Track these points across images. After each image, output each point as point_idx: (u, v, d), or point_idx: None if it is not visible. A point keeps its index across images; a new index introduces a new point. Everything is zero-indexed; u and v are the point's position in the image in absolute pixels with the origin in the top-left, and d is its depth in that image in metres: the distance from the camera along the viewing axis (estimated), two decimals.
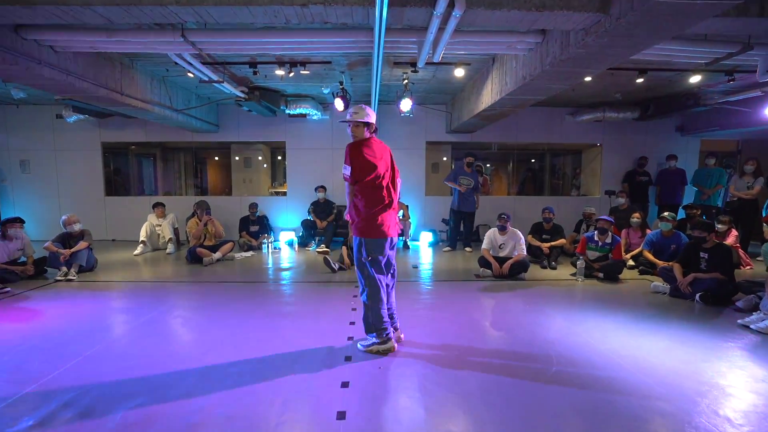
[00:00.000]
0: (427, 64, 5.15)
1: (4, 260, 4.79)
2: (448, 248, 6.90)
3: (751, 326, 3.25)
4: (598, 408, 2.14)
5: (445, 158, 9.23)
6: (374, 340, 2.72)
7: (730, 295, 3.97)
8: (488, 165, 11.10)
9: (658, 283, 4.48)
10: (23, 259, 5.03)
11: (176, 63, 4.93)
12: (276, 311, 3.70)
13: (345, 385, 2.34)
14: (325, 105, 7.69)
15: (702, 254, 4.22)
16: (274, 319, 3.49)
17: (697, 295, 3.99)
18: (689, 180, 7.60)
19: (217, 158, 10.99)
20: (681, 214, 7.40)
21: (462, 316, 3.59)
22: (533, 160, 10.71)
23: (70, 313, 3.65)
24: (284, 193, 8.47)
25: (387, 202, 2.62)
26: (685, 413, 2.08)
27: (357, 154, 2.55)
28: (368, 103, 7.60)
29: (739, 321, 3.40)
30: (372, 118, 2.65)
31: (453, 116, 7.36)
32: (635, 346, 2.95)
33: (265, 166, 9.86)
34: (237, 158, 9.36)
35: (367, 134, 2.64)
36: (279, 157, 10.47)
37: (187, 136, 7.94)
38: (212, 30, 3.57)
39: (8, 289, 4.35)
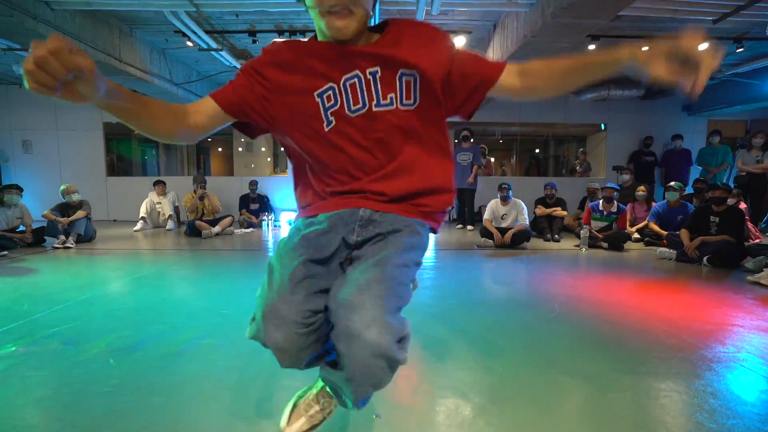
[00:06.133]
0: None
1: (3, 227, 4.77)
2: (460, 226, 6.83)
3: (762, 281, 3.15)
4: (599, 338, 2.05)
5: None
6: None
7: (739, 258, 3.86)
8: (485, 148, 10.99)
9: (665, 249, 4.37)
10: (22, 228, 5.02)
11: (176, 31, 4.91)
12: None
13: None
14: None
15: (713, 218, 4.10)
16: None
17: (705, 258, 3.88)
18: (694, 160, 7.49)
19: (219, 144, 10.97)
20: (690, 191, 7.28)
21: (463, 274, 3.51)
22: (537, 150, 10.58)
23: (64, 271, 3.62)
24: (286, 173, 8.42)
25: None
26: (688, 343, 1.99)
27: None
28: None
29: (748, 277, 3.29)
30: None
31: None
32: (641, 298, 2.86)
33: (263, 149, 9.83)
34: (242, 140, 9.33)
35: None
36: (282, 149, 10.41)
37: None
38: None
39: (5, 252, 4.33)
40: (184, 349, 1.90)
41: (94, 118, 7.90)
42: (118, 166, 8.78)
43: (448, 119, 1.01)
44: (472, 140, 6.65)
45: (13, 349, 1.91)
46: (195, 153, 10.76)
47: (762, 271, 3.29)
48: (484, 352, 1.89)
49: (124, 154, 9.34)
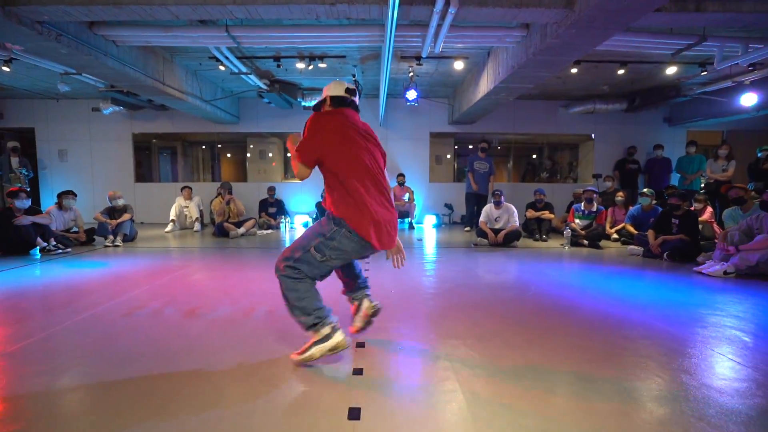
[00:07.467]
0: (430, 57, 5.83)
1: (61, 228, 5.49)
2: (468, 228, 7.42)
3: (703, 271, 3.87)
4: (559, 307, 2.78)
5: (449, 155, 9.86)
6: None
7: (694, 254, 4.57)
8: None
9: (634, 246, 5.09)
10: (75, 229, 5.74)
11: (210, 57, 5.65)
12: None
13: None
14: None
15: (674, 220, 4.82)
16: None
17: (665, 254, 4.60)
18: (674, 167, 8.17)
19: (234, 151, 11.67)
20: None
21: (459, 267, 4.23)
22: (534, 156, 11.30)
23: (128, 263, 4.34)
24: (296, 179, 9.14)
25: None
26: (631, 315, 2.72)
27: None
28: (376, 97, 8.25)
29: (694, 268, 4.01)
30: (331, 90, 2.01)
31: (454, 107, 8.01)
32: (603, 285, 3.58)
33: (270, 155, 10.52)
34: (251, 147, 10.01)
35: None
36: (289, 154, 11.11)
37: (209, 127, 8.65)
38: (251, 26, 4.25)
39: (69, 249, 5.05)
40: (255, 313, 2.62)
41: (125, 129, 8.65)
42: (138, 172, 9.50)
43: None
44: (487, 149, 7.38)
45: (149, 310, 2.64)
46: (210, 159, 11.47)
47: (705, 263, 4.01)
48: (474, 315, 2.61)
49: (145, 160, 10.06)
